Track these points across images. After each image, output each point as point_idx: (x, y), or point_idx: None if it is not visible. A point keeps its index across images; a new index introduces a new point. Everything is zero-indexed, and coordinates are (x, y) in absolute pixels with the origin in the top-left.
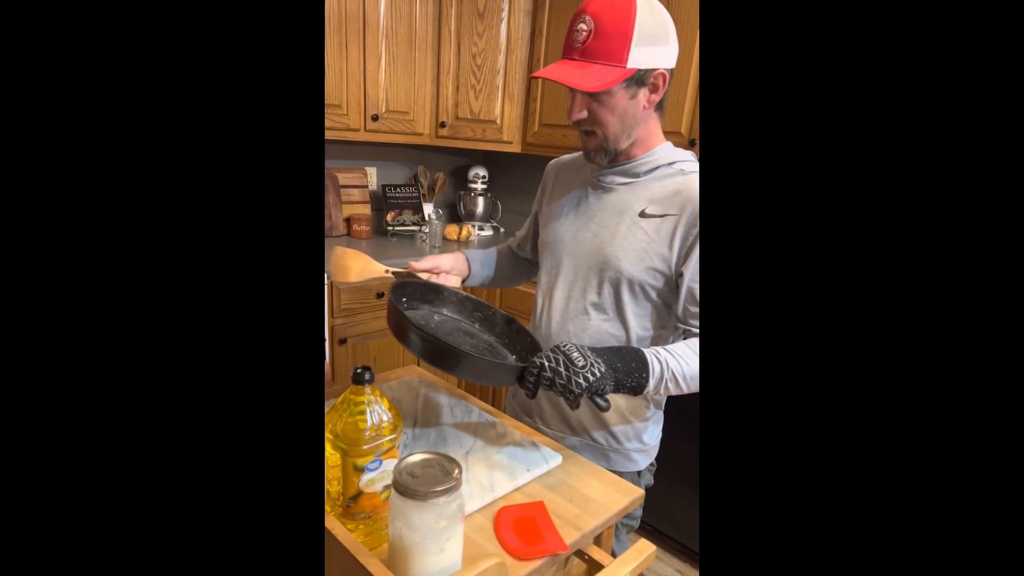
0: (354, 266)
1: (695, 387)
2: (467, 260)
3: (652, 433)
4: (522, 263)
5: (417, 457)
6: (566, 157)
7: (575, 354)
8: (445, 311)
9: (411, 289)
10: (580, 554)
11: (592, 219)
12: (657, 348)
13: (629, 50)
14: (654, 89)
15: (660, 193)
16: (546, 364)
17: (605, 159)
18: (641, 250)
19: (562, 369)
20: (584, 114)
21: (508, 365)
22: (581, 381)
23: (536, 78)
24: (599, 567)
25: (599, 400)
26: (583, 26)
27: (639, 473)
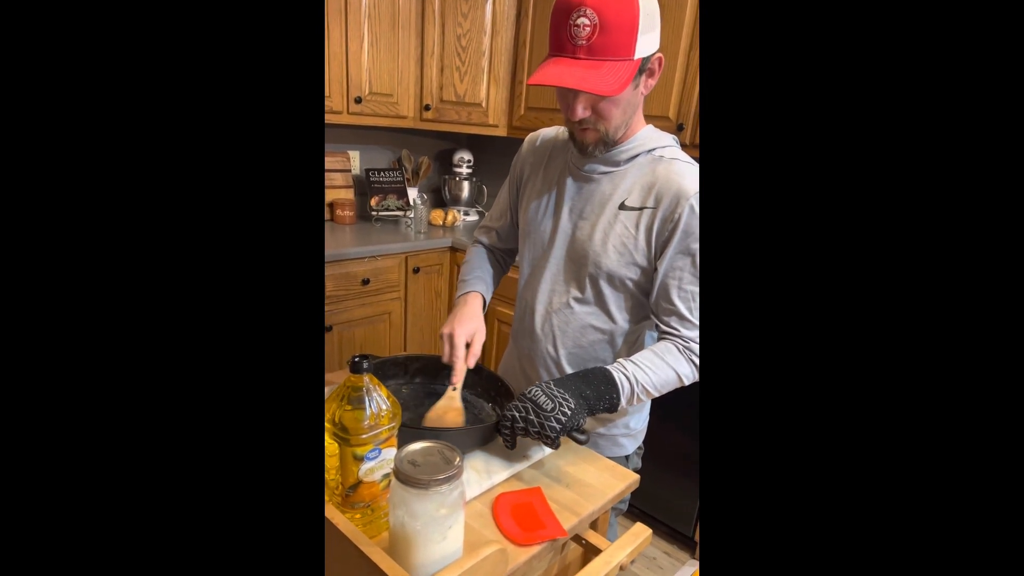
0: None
1: (667, 390)
2: (483, 299)
3: (638, 418)
4: (503, 255)
5: (417, 445)
6: (543, 136)
7: (542, 398)
8: (415, 379)
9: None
10: (577, 539)
11: (572, 211)
12: (623, 362)
13: (636, 40)
14: (651, 74)
15: (639, 183)
16: (516, 415)
17: (604, 151)
18: (621, 245)
19: (532, 417)
20: (588, 112)
21: (479, 428)
22: (554, 424)
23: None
24: (596, 551)
25: (577, 435)
26: (585, 20)
27: (627, 458)
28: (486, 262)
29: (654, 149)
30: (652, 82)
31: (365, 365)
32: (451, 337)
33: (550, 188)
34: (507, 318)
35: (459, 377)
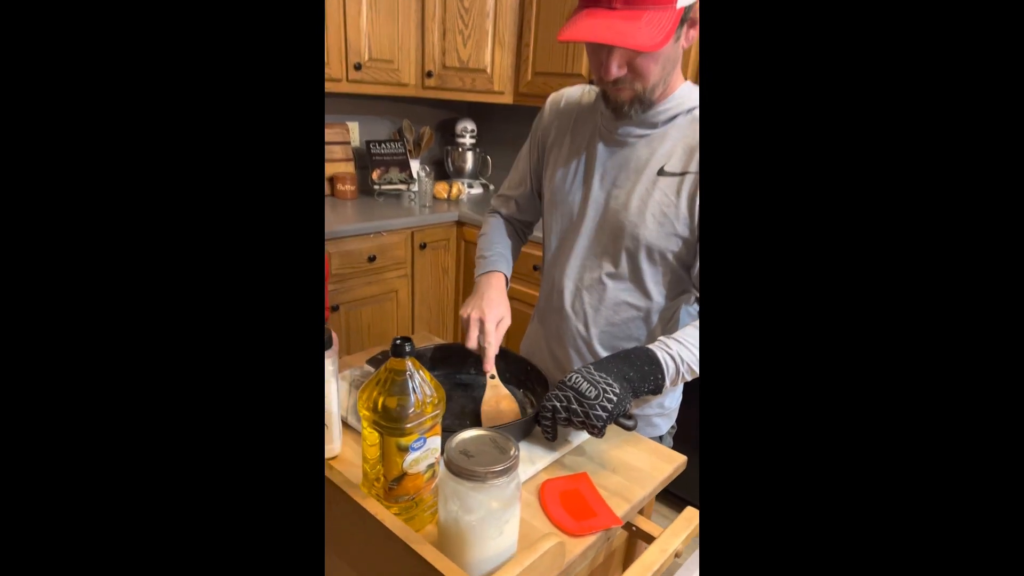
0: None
1: None
2: (506, 279)
3: (672, 397)
4: (521, 227)
5: (468, 434)
6: (566, 97)
7: (584, 385)
8: (436, 370)
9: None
10: (626, 525)
11: (605, 178)
12: (666, 340)
13: None
14: (693, 24)
15: (678, 146)
16: (558, 405)
17: (641, 111)
18: (660, 214)
19: (576, 406)
20: (624, 71)
21: (519, 423)
22: (600, 412)
23: (568, 40)
24: (647, 537)
25: (624, 421)
26: None
27: (660, 438)
28: (505, 236)
29: (694, 108)
30: (694, 33)
31: (408, 348)
32: (482, 323)
33: (578, 154)
34: (523, 296)
35: (492, 364)
